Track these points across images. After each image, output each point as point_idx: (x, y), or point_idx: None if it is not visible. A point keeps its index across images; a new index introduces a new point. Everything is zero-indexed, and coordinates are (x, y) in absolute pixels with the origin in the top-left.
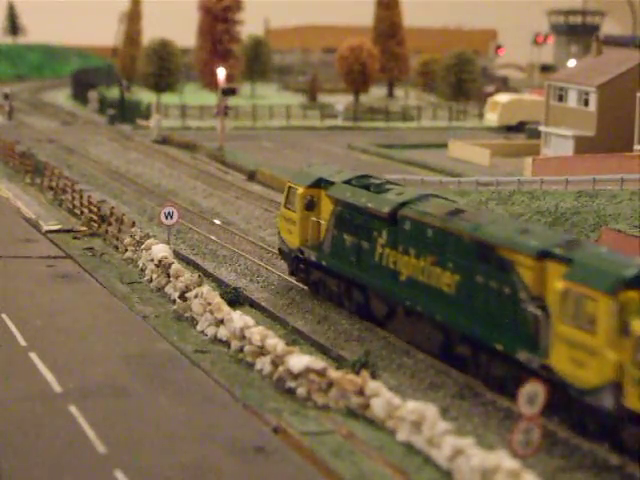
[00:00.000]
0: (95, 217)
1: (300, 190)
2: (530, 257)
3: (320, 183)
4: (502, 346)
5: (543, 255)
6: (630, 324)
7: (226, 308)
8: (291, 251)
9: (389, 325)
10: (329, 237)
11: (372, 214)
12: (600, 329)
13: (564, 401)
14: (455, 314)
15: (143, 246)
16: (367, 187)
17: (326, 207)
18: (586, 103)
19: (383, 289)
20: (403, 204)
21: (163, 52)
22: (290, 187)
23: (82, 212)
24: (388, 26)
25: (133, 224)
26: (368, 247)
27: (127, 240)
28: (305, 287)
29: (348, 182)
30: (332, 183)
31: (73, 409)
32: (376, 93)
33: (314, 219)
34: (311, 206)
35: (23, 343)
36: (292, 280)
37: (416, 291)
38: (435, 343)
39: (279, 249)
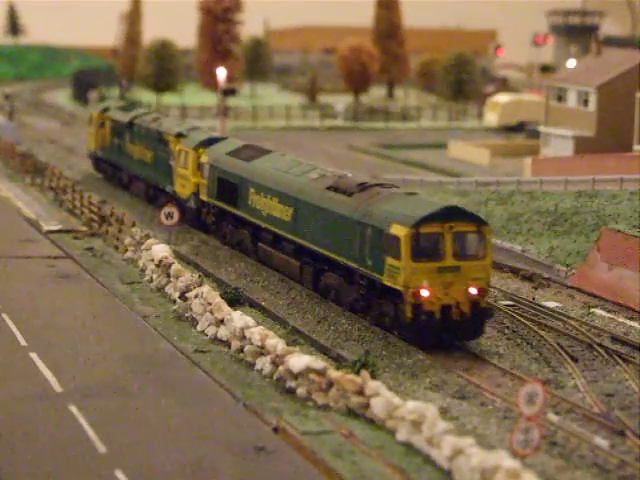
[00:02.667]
0: (95, 217)
1: (95, 115)
2: (172, 136)
3: (106, 110)
4: (162, 183)
5: (178, 135)
6: (198, 158)
7: (226, 308)
8: (91, 153)
9: (130, 188)
10: (108, 142)
11: (122, 124)
12: (189, 166)
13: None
14: (151, 173)
15: (143, 246)
16: (128, 110)
17: (108, 124)
18: (586, 103)
19: (126, 166)
20: (135, 117)
21: (163, 52)
22: (91, 115)
23: (82, 212)
24: (388, 26)
25: (133, 224)
26: (122, 144)
27: (127, 240)
28: (99, 174)
29: (120, 108)
30: (109, 109)
31: (73, 409)
32: (376, 93)
33: (102, 132)
34: (102, 125)
35: (23, 343)
36: (294, 281)
37: (138, 164)
38: (141, 189)
39: (88, 154)
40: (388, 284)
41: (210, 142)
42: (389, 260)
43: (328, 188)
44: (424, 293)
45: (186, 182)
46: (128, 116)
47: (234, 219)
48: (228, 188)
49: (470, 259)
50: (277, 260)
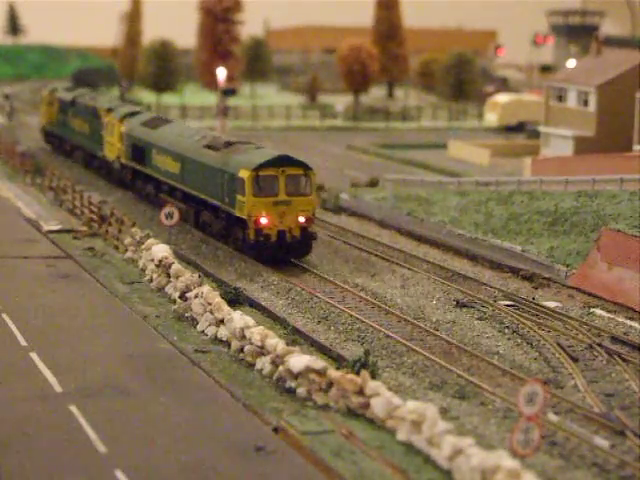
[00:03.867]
0: (95, 217)
1: (45, 95)
2: (104, 110)
3: (54, 91)
4: (95, 150)
5: (108, 110)
6: (120, 127)
7: (226, 308)
8: (42, 128)
9: (72, 155)
10: (55, 118)
11: (67, 102)
12: (115, 135)
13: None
14: (88, 142)
15: (143, 246)
16: (71, 90)
17: (55, 103)
18: (585, 103)
19: (69, 137)
20: (77, 96)
21: (163, 52)
22: (43, 95)
23: (82, 212)
24: (388, 26)
25: (133, 224)
26: (66, 119)
27: (127, 240)
28: (48, 145)
29: (66, 89)
30: (57, 90)
31: (73, 409)
32: (376, 93)
33: (51, 109)
34: (51, 103)
35: (23, 343)
36: (292, 282)
37: (78, 135)
38: (80, 156)
39: (40, 129)
40: (238, 215)
41: (132, 115)
42: (238, 197)
43: (204, 146)
44: (263, 221)
45: (112, 147)
46: (71, 95)
47: (143, 176)
48: (139, 151)
49: (298, 195)
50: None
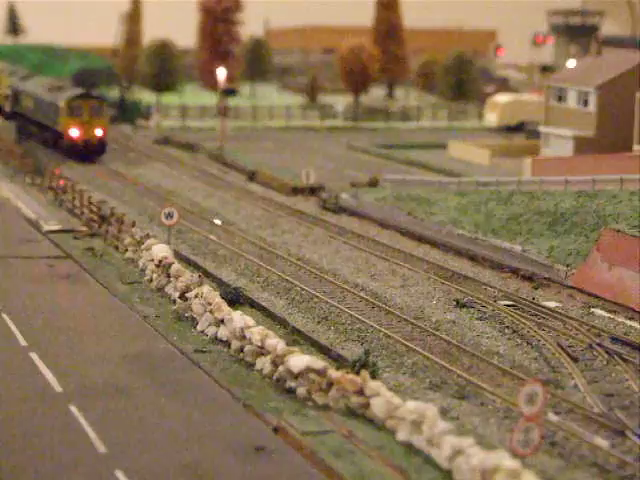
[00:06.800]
0: (95, 217)
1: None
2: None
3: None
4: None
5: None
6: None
7: (226, 308)
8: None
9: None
10: (14, 101)
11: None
12: (3, 86)
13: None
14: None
15: (143, 246)
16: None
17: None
18: (585, 103)
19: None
20: (22, 84)
21: (163, 53)
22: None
23: (82, 212)
24: (388, 27)
25: (133, 224)
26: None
27: (127, 240)
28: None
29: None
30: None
31: (73, 409)
32: (376, 93)
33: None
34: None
35: (23, 343)
36: (294, 281)
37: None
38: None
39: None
40: (60, 130)
41: (13, 73)
42: (59, 119)
43: (46, 89)
44: (74, 133)
45: (3, 98)
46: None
47: (20, 116)
48: (17, 99)
49: (96, 117)
50: (32, 132)
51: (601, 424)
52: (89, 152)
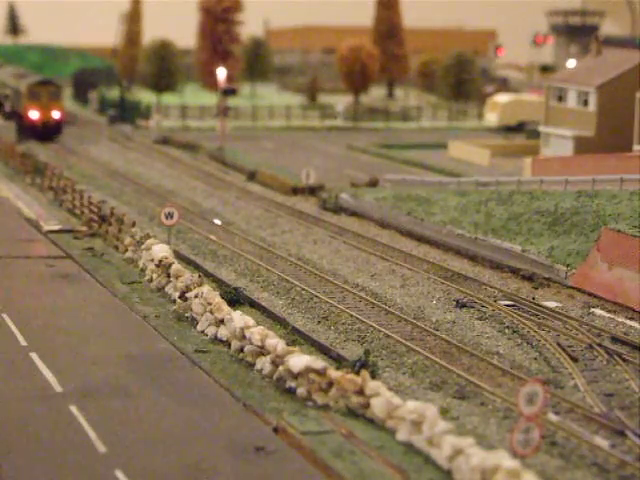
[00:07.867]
0: (95, 217)
1: None
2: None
3: None
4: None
5: None
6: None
7: (226, 308)
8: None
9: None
10: None
11: None
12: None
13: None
14: (9, 100)
15: (143, 246)
16: None
17: None
18: (585, 103)
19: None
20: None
21: (163, 53)
22: None
23: (82, 212)
24: (388, 26)
25: (133, 224)
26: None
27: (127, 240)
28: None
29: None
30: None
31: (73, 409)
32: (376, 93)
33: None
34: None
35: (23, 343)
36: (294, 281)
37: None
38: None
39: None
40: (19, 111)
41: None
42: (21, 102)
43: (11, 76)
44: (34, 115)
45: None
46: None
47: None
48: None
49: (54, 101)
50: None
51: (601, 424)
52: (47, 132)
